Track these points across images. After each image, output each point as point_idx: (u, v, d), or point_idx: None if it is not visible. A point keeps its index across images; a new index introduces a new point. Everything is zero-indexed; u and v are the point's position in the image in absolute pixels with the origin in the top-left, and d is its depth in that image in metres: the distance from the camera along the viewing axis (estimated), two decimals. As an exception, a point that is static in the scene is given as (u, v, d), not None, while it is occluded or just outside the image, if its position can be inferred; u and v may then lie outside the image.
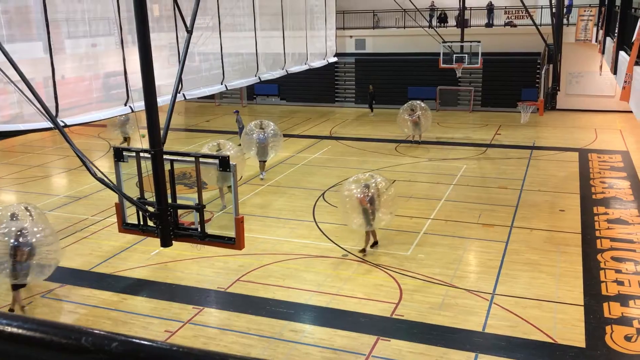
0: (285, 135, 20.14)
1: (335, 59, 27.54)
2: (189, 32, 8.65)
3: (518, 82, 29.51)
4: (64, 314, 10.79)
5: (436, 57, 27.14)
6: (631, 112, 15.85)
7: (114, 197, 8.15)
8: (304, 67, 23.35)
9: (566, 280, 11.46)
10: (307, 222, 15.00)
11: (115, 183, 7.78)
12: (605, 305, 10.46)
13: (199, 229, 7.65)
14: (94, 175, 7.32)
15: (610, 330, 9.64)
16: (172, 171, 7.72)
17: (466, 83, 30.71)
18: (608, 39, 21.52)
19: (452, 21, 31.15)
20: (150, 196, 7.77)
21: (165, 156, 7.58)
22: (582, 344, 9.31)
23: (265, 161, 18.51)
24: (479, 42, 26.28)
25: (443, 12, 31.69)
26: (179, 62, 8.98)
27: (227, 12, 17.15)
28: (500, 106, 29.85)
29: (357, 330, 9.90)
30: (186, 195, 8.75)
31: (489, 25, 30.77)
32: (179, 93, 13.08)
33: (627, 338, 9.42)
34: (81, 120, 12.06)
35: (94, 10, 12.98)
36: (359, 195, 12.13)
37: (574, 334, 9.58)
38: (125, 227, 8.22)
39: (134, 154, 7.77)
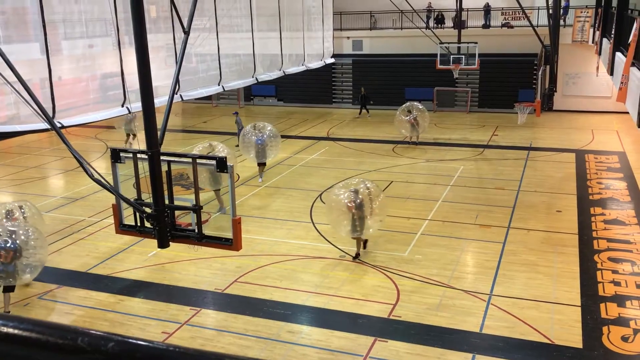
0: (282, 137, 20.13)
1: (332, 60, 27.56)
2: (186, 33, 8.66)
3: (515, 83, 29.53)
4: (60, 316, 10.75)
5: (433, 58, 27.21)
6: (628, 113, 15.89)
7: (111, 199, 8.14)
8: (301, 68, 23.34)
9: (563, 281, 11.47)
10: (305, 223, 14.99)
11: (112, 184, 7.77)
12: (602, 305, 10.47)
13: (196, 230, 7.65)
14: (91, 176, 7.31)
15: (607, 331, 9.65)
16: (169, 172, 7.71)
17: (463, 84, 30.73)
18: (605, 40, 21.58)
19: (449, 22, 31.22)
20: (147, 197, 7.77)
21: (162, 157, 7.58)
22: (579, 345, 9.32)
23: (264, 164, 18.42)
24: (476, 43, 26.36)
25: (440, 13, 31.77)
26: (176, 63, 8.97)
27: (224, 13, 17.14)
28: (497, 107, 29.88)
29: (354, 331, 9.89)
30: (183, 197, 8.73)
31: (486, 26, 30.82)
32: (176, 94, 13.05)
33: (624, 338, 9.43)
34: (78, 121, 12.05)
35: (91, 12, 12.97)
36: (346, 201, 11.99)
37: (571, 335, 9.59)
38: (122, 228, 8.22)
39: (131, 155, 7.77)
